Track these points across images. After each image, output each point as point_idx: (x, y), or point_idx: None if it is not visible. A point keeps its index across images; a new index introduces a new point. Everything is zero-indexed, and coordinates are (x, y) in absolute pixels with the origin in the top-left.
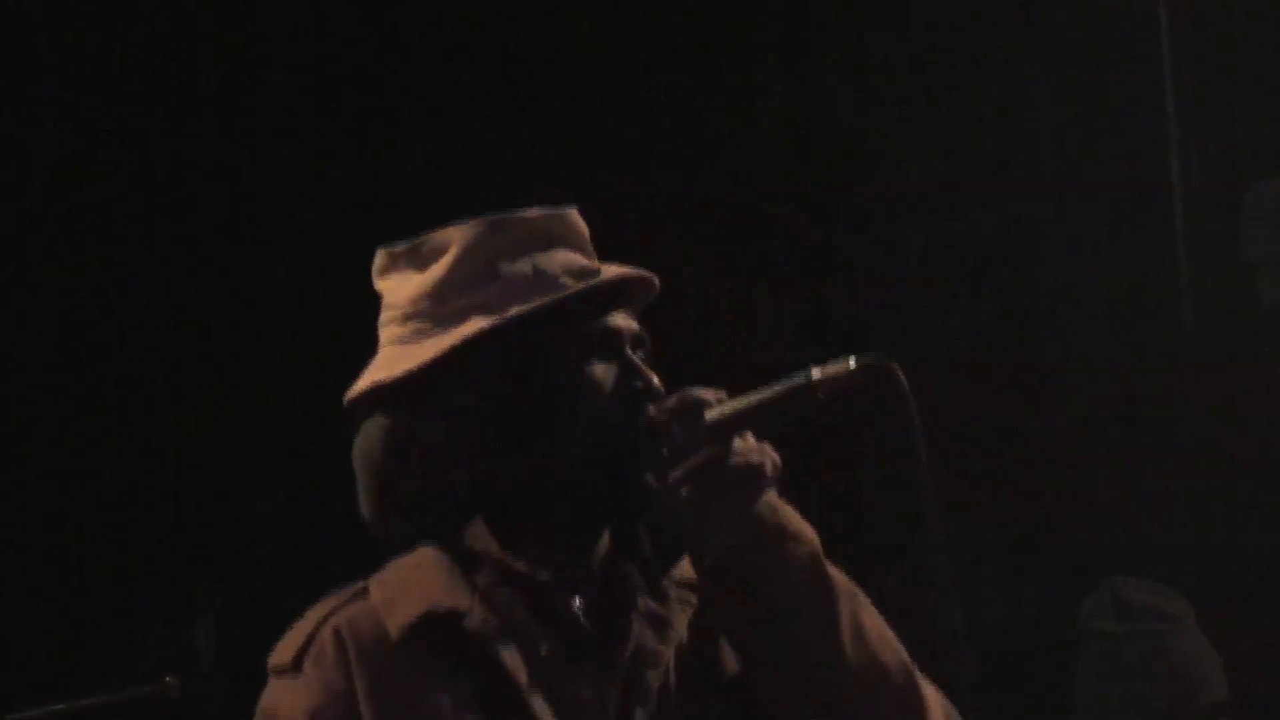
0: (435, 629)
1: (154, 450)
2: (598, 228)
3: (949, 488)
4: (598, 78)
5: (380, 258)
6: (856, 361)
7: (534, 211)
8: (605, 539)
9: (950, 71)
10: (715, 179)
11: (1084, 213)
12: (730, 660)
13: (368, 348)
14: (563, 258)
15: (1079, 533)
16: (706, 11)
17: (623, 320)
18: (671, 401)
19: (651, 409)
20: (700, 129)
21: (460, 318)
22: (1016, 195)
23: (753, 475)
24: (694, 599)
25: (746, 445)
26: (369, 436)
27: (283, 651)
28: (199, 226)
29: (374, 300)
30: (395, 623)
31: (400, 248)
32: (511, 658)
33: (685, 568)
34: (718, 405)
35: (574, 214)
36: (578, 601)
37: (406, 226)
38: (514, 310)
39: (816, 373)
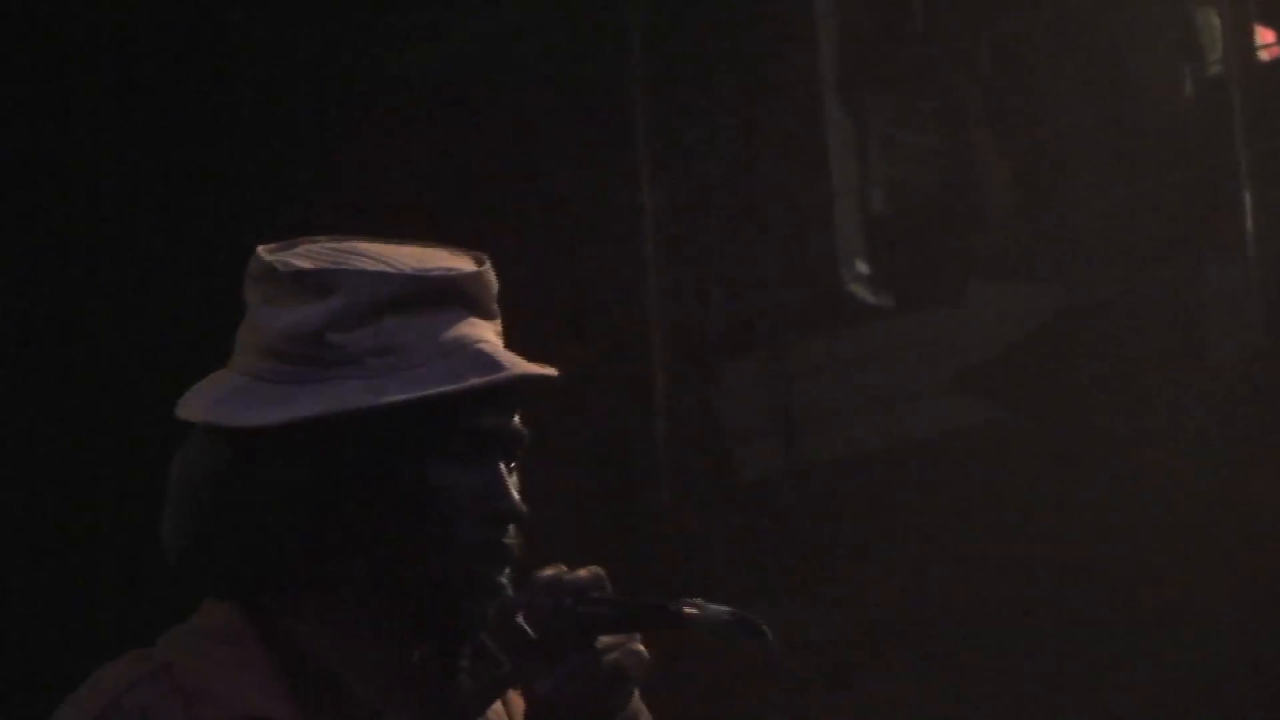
0: None
1: None
2: None
3: None
4: None
5: (257, 262)
6: (731, 615)
7: (439, 264)
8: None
9: None
10: None
11: (568, 385)
12: None
13: None
14: (458, 331)
15: None
16: None
17: (502, 419)
18: (540, 586)
19: (509, 541)
20: None
21: (332, 375)
22: None
23: (622, 678)
24: None
25: (615, 643)
26: (196, 463)
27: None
28: None
29: None
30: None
31: (283, 263)
32: None
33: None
34: (585, 601)
35: (486, 273)
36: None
37: None
38: (389, 398)
39: (691, 611)
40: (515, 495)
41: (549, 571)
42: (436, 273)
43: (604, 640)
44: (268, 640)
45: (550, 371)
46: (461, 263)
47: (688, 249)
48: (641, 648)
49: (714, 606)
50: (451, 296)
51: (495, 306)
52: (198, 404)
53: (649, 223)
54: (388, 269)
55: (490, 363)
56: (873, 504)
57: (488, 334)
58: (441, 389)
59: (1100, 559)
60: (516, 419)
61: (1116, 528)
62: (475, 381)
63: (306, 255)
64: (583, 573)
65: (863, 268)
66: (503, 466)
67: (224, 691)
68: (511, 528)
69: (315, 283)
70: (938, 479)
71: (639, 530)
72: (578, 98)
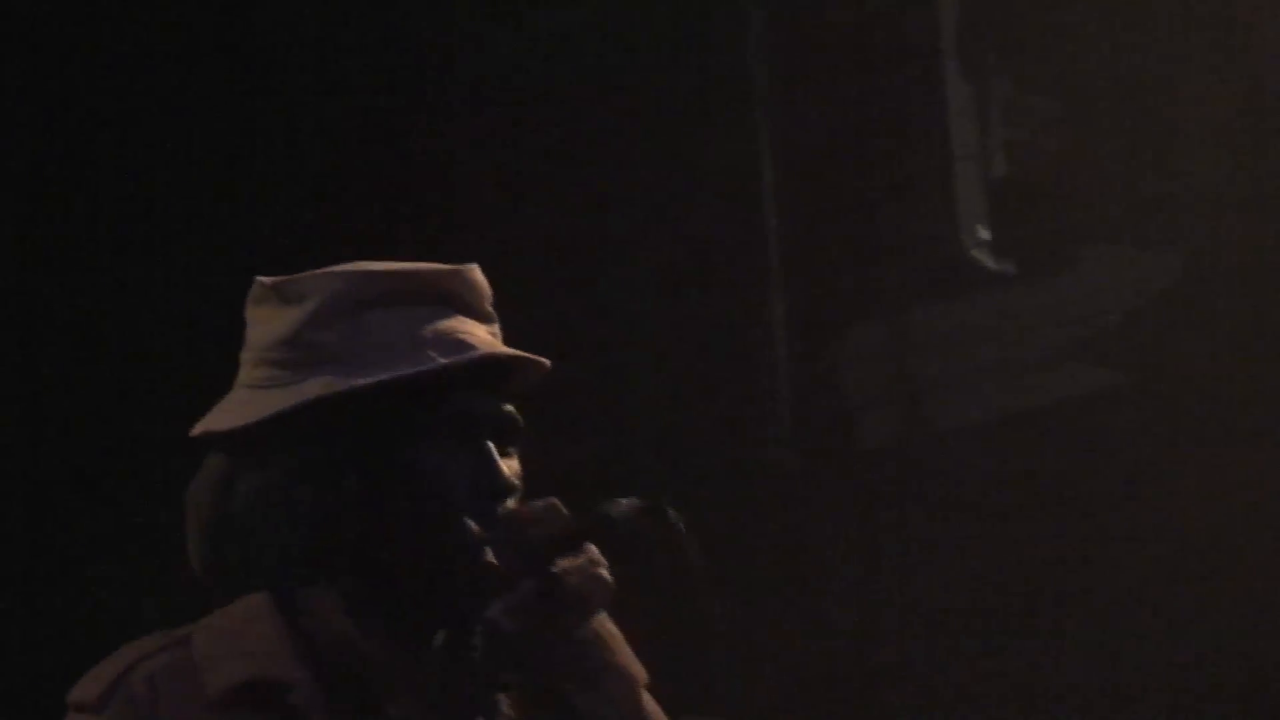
0: (257, 697)
1: None
2: None
3: None
4: None
5: (255, 287)
6: (644, 504)
7: (418, 265)
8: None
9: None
10: None
11: (684, 353)
12: None
13: None
14: (439, 324)
15: None
16: None
17: (488, 404)
18: (501, 522)
19: (501, 510)
20: None
21: (309, 373)
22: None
23: (578, 600)
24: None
25: (577, 566)
26: (201, 479)
27: (87, 688)
28: None
29: None
30: (214, 683)
31: (272, 280)
32: None
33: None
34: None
35: (469, 272)
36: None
37: None
38: (359, 381)
39: (614, 510)
40: (503, 472)
41: (509, 508)
42: (411, 269)
43: (563, 565)
44: (286, 618)
45: (530, 357)
46: (444, 267)
47: (808, 216)
48: (602, 571)
49: (631, 501)
50: (430, 295)
51: (488, 309)
52: (198, 425)
53: (769, 191)
54: (363, 270)
55: (462, 346)
56: (996, 470)
57: (474, 329)
58: (401, 372)
59: (1224, 530)
60: (509, 406)
61: (1240, 500)
62: (440, 362)
63: (294, 274)
64: (538, 504)
65: (983, 233)
66: (491, 446)
67: (237, 657)
68: (510, 500)
69: (294, 290)
70: (1059, 445)
71: (762, 498)
72: (694, 65)
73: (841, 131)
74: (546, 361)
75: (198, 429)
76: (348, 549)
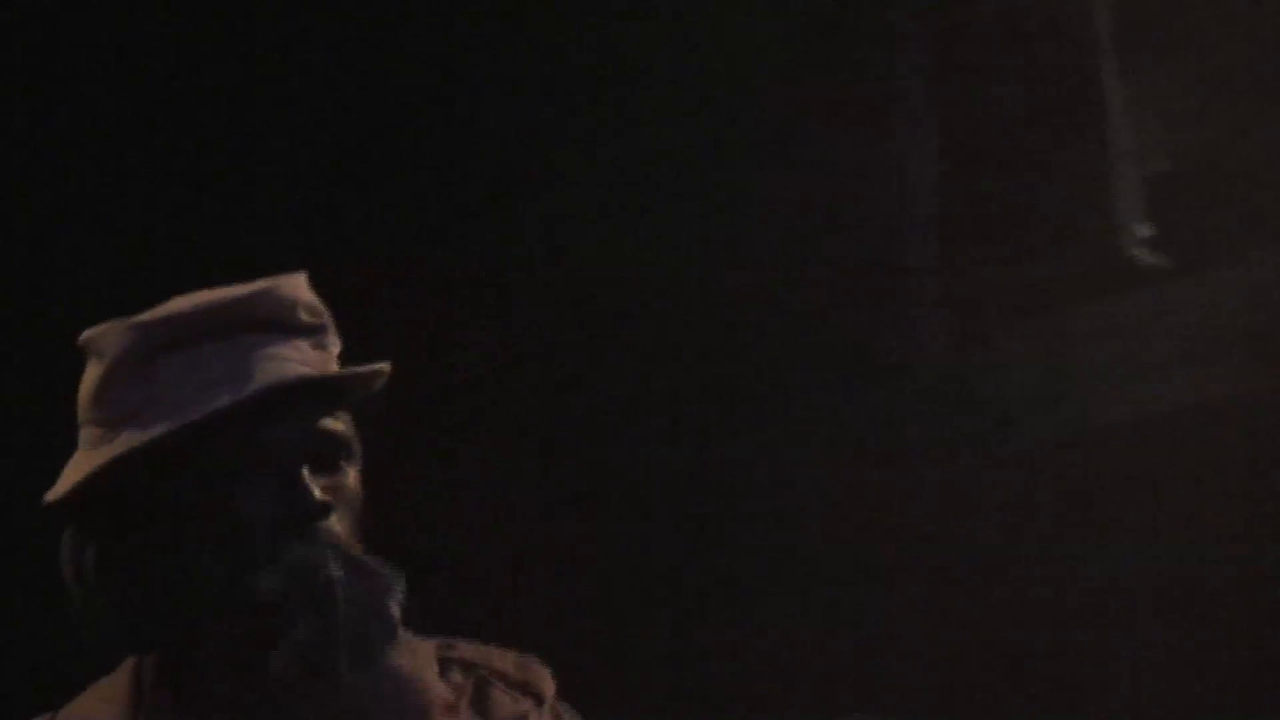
0: None
1: None
2: None
3: None
4: None
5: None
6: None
7: (218, 295)
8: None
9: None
10: None
11: (837, 352)
12: None
13: None
14: (235, 356)
15: None
16: None
17: (292, 428)
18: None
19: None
20: None
21: (116, 431)
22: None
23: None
24: None
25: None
26: (62, 548)
27: None
28: None
29: None
30: None
31: (85, 336)
32: None
33: None
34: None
35: (275, 290)
36: None
37: None
38: (150, 434)
39: None
40: (304, 493)
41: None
42: (206, 304)
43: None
44: (138, 690)
45: (322, 376)
46: (250, 288)
47: (963, 214)
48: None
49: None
50: (233, 324)
51: (304, 320)
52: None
53: (925, 189)
54: (156, 318)
55: (252, 377)
56: (1153, 470)
57: (281, 351)
58: (183, 421)
59: None
60: (325, 422)
61: None
62: (219, 404)
63: (107, 324)
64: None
65: (1142, 231)
66: (294, 469)
67: None
68: (328, 520)
69: (96, 347)
70: (1221, 444)
71: (913, 499)
72: (845, 65)
73: (997, 129)
74: (363, 370)
75: (47, 496)
76: (169, 607)
